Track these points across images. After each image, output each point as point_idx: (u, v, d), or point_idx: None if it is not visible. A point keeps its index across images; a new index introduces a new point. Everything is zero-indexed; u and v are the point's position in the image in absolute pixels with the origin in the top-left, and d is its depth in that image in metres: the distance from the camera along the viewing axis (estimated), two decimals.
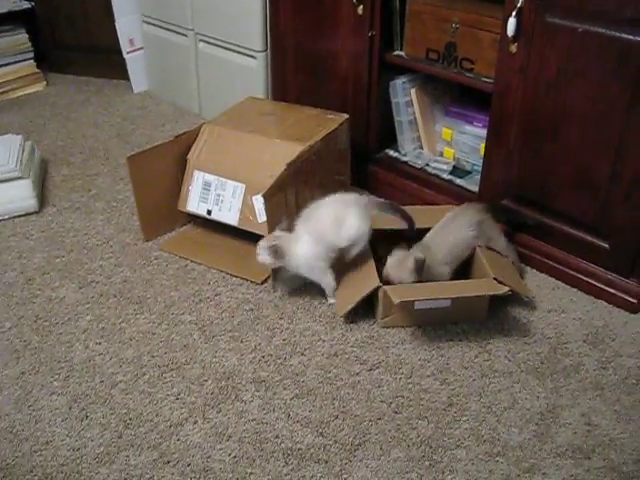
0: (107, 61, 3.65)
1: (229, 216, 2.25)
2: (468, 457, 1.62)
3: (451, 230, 2.05)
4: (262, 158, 2.22)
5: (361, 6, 2.36)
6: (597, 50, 1.86)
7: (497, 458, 1.62)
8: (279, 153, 2.18)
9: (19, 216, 2.52)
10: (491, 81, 2.15)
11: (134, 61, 3.53)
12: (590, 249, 2.10)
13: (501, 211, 2.20)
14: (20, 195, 2.52)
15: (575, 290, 2.15)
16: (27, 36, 3.62)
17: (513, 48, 2.01)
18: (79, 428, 1.69)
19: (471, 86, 2.28)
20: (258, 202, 2.17)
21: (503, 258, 2.12)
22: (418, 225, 2.09)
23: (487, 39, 2.16)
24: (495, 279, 1.94)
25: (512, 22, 1.97)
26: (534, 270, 2.23)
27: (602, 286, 2.10)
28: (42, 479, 1.57)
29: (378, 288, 1.94)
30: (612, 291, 2.09)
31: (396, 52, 2.46)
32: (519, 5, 1.94)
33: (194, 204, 2.33)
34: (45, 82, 3.68)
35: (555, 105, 1.99)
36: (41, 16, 3.68)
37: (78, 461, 1.61)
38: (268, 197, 2.03)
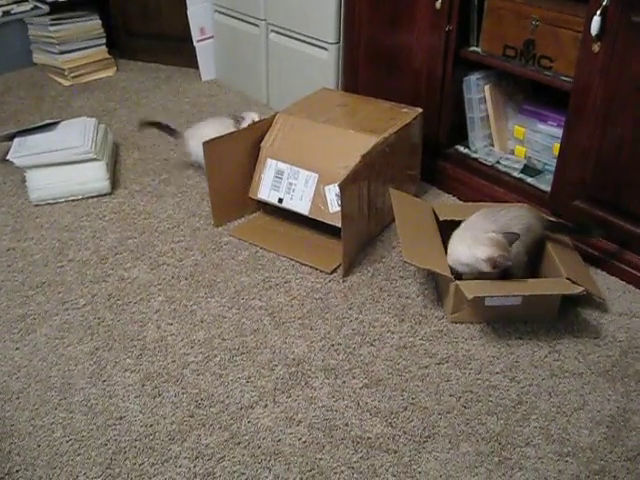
0: (176, 49, 3.71)
1: (300, 205, 2.27)
2: (537, 455, 1.61)
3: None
4: (336, 148, 2.23)
5: (439, 1, 2.35)
6: None
7: (567, 458, 1.60)
8: (353, 144, 2.18)
9: (92, 197, 2.57)
10: (570, 80, 2.13)
11: (204, 49, 3.57)
12: None
13: (563, 230, 2.17)
14: (94, 176, 2.57)
15: None
16: (100, 22, 3.68)
17: (595, 47, 1.99)
18: (152, 405, 1.73)
19: (549, 84, 2.25)
20: (330, 192, 2.18)
21: (575, 257, 2.10)
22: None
23: (568, 37, 2.13)
24: (568, 279, 1.93)
25: (596, 20, 1.94)
26: (604, 272, 2.19)
27: None
28: (115, 452, 1.60)
29: (449, 280, 1.95)
30: None
31: (472, 48, 2.44)
32: (604, 3, 1.92)
33: (266, 192, 2.35)
34: (116, 68, 3.75)
35: (637, 106, 1.96)
36: (114, 3, 3.75)
37: (151, 437, 1.64)
38: (343, 187, 2.04)
